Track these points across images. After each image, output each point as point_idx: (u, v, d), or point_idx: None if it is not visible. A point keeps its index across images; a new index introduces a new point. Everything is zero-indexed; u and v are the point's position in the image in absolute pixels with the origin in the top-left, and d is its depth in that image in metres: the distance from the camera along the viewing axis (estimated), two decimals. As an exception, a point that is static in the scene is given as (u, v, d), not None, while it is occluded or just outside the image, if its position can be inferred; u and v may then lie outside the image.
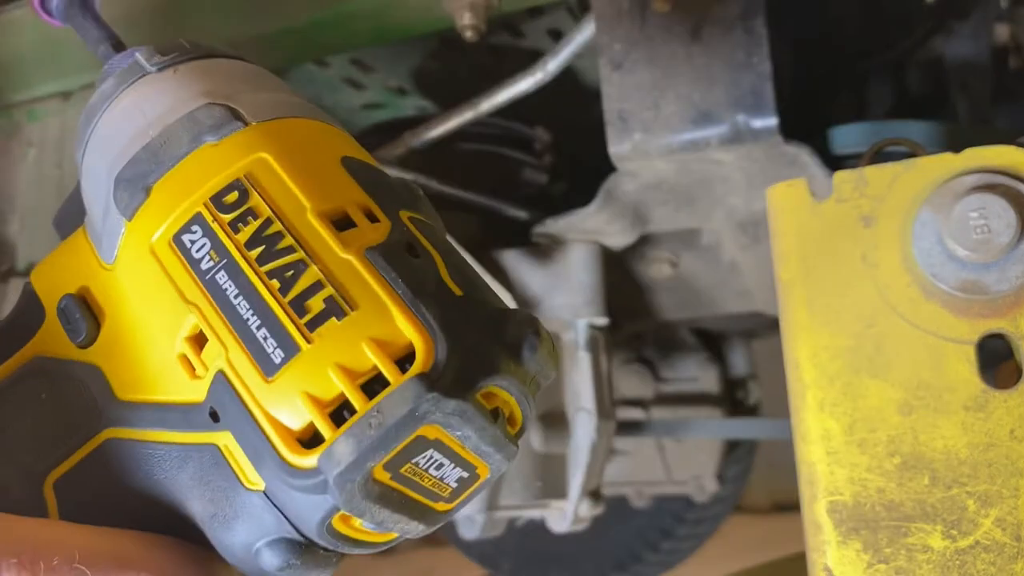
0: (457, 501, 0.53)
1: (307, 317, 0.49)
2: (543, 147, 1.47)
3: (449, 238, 1.12)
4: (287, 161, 0.53)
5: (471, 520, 1.30)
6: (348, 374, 0.48)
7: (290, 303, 0.49)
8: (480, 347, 0.50)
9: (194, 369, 0.52)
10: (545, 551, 2.45)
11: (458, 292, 0.52)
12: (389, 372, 0.47)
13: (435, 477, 0.50)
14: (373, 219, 0.53)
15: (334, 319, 0.48)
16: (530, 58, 1.26)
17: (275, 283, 0.50)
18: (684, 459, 2.16)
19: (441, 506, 0.52)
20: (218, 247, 0.51)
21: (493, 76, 1.22)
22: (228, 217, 0.52)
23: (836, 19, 1.38)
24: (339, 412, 0.48)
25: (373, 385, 0.48)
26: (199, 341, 0.52)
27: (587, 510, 1.36)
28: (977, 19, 1.32)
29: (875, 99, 1.44)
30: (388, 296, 0.49)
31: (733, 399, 2.13)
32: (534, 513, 1.39)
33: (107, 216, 0.56)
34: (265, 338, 0.49)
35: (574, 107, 1.35)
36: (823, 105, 1.44)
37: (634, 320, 1.71)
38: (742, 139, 1.01)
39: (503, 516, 1.36)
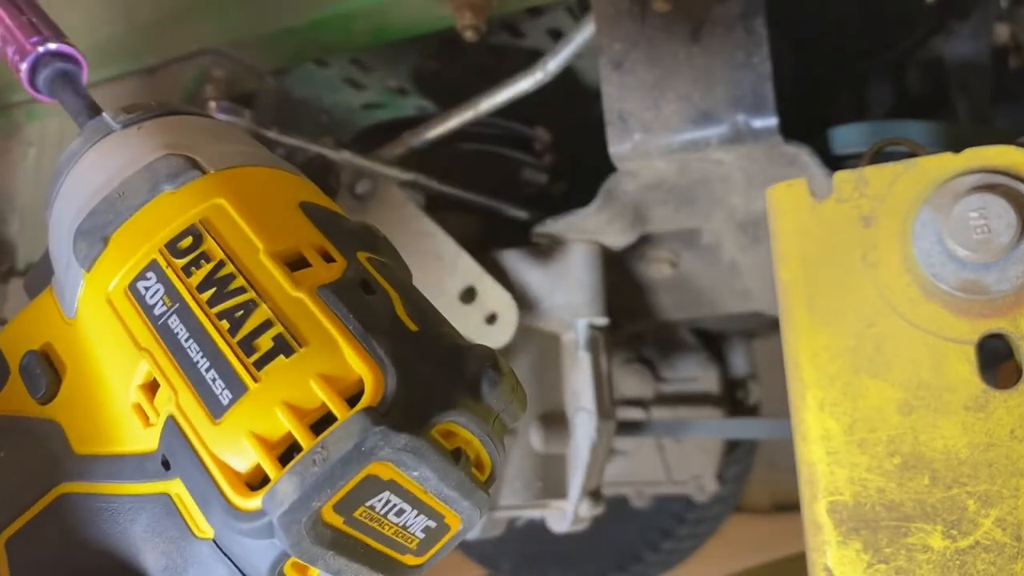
0: (428, 555, 0.52)
1: (255, 356, 0.48)
2: (543, 147, 1.47)
3: (449, 238, 1.12)
4: (243, 205, 0.53)
5: (471, 520, 1.30)
6: (296, 412, 0.47)
7: (239, 343, 0.49)
8: (435, 382, 0.49)
9: (147, 417, 0.51)
10: (545, 551, 2.45)
11: (413, 327, 0.51)
12: (337, 408, 0.46)
13: (396, 524, 0.48)
14: (329, 259, 0.53)
15: (282, 357, 0.48)
16: (530, 58, 1.26)
17: (224, 324, 0.49)
18: (684, 459, 2.16)
19: (409, 559, 0.51)
20: (171, 292, 0.51)
21: (493, 76, 1.22)
22: (182, 262, 0.52)
23: (836, 19, 1.38)
24: (288, 453, 0.47)
25: (322, 423, 0.47)
26: (152, 388, 0.51)
27: (587, 510, 1.36)
28: (977, 19, 1.32)
29: (875, 99, 1.44)
30: (338, 332, 0.48)
31: (733, 399, 2.13)
32: (534, 513, 1.39)
33: (68, 270, 0.56)
34: (214, 379, 0.48)
35: (574, 107, 1.35)
36: (823, 105, 1.44)
37: (634, 320, 1.71)
38: (742, 139, 1.01)
39: (503, 516, 1.36)
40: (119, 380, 0.53)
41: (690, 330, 2.06)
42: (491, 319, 1.18)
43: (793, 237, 0.86)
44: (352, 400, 0.47)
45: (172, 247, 0.52)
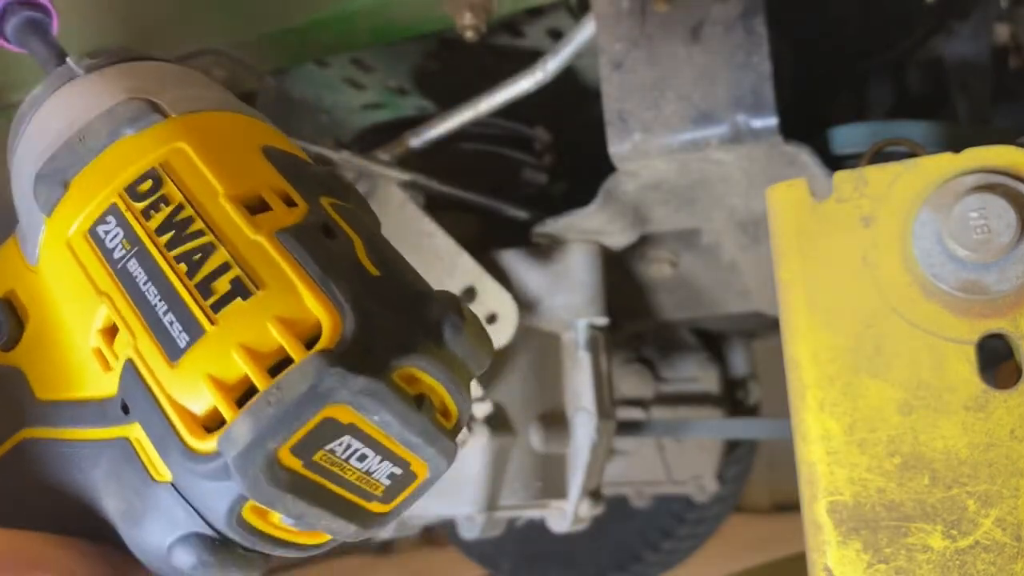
0: (395, 502, 0.51)
1: (212, 299, 0.48)
2: (543, 147, 1.47)
3: (449, 238, 1.12)
4: (204, 149, 0.53)
5: (471, 520, 1.30)
6: (253, 355, 0.46)
7: (196, 285, 0.48)
8: (395, 326, 0.49)
9: (107, 362, 0.51)
10: (545, 551, 2.45)
11: (375, 272, 0.51)
12: (294, 350, 0.46)
13: (359, 470, 0.48)
14: (290, 203, 0.52)
15: (239, 299, 0.48)
16: (530, 58, 1.26)
17: (183, 267, 0.49)
18: (684, 459, 2.17)
19: (376, 506, 0.51)
20: (130, 235, 0.51)
21: (493, 76, 1.22)
22: (141, 205, 0.51)
23: (836, 19, 1.39)
24: (246, 396, 0.46)
25: (280, 366, 0.46)
26: (112, 333, 0.51)
27: (587, 510, 1.37)
28: (977, 19, 1.32)
29: (875, 99, 1.44)
30: (296, 275, 0.48)
31: (733, 399, 2.13)
32: (534, 513, 1.39)
33: (31, 216, 0.56)
34: (171, 323, 0.48)
35: (574, 107, 1.35)
36: (823, 105, 1.44)
37: (634, 320, 1.71)
38: (742, 139, 1.01)
39: (503, 516, 1.36)
40: (80, 325, 0.53)
41: (690, 330, 2.06)
42: (491, 319, 1.18)
43: (793, 237, 0.86)
44: (310, 344, 0.47)
45: (132, 191, 0.52)
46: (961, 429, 0.78)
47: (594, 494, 1.38)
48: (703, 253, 1.50)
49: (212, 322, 0.47)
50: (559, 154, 1.50)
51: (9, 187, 0.63)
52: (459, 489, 1.27)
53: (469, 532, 1.32)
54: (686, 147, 1.04)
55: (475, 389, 1.17)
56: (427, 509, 1.29)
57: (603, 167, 1.12)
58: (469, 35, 1.04)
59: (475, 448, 1.24)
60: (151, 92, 0.57)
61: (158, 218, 0.51)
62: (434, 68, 1.38)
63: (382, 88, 1.44)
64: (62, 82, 0.59)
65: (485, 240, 1.34)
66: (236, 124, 0.58)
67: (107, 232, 0.52)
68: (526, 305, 1.29)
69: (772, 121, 1.01)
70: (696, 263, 1.53)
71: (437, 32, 1.18)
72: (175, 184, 0.52)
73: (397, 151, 1.26)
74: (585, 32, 1.11)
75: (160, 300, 0.49)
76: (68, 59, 0.61)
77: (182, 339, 0.48)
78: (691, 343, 2.08)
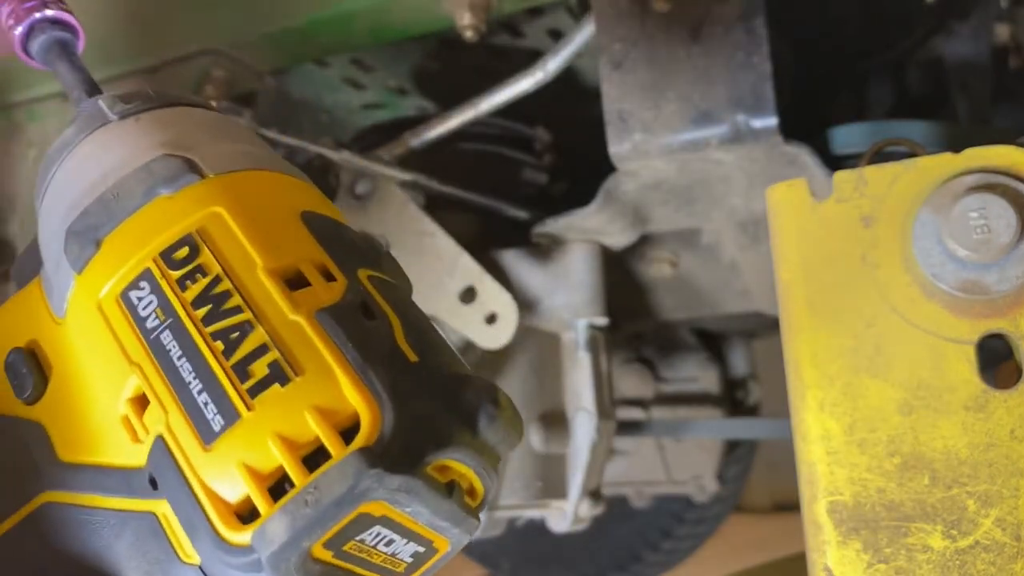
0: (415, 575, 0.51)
1: (249, 382, 0.47)
2: (543, 147, 1.47)
3: (449, 238, 1.12)
4: (242, 216, 0.52)
5: (471, 520, 1.30)
6: (289, 445, 0.46)
7: (233, 367, 0.47)
8: (432, 417, 0.48)
9: (136, 433, 0.50)
10: (545, 551, 2.45)
11: (413, 357, 0.50)
12: (331, 444, 0.45)
13: (386, 553, 0.48)
14: (329, 277, 0.51)
15: (277, 385, 0.47)
16: (530, 58, 1.26)
17: (219, 345, 0.48)
18: (684, 459, 2.16)
19: None
20: (165, 305, 0.50)
21: (493, 76, 1.22)
22: (177, 274, 0.50)
23: (836, 19, 1.39)
24: (279, 485, 0.46)
25: (316, 457, 0.46)
26: (142, 403, 0.50)
27: (587, 510, 1.37)
28: (977, 19, 1.32)
29: (875, 99, 1.44)
30: (336, 361, 0.47)
31: (733, 399, 2.13)
32: (534, 513, 1.39)
33: (59, 268, 0.55)
34: (206, 403, 0.47)
35: (574, 107, 1.35)
36: (823, 105, 1.44)
37: (634, 320, 1.71)
38: (742, 139, 1.01)
39: (503, 516, 1.36)
40: (107, 390, 0.51)
41: (690, 330, 2.06)
42: (491, 319, 1.18)
43: (793, 237, 0.86)
44: (347, 433, 0.46)
45: (167, 257, 0.51)
46: (961, 429, 0.78)
47: (594, 494, 1.38)
48: (703, 253, 1.50)
49: (249, 408, 0.47)
50: (559, 154, 1.50)
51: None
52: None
53: (469, 532, 1.31)
54: (686, 147, 1.04)
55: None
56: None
57: (603, 167, 1.12)
58: (469, 35, 1.04)
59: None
60: (187, 146, 0.55)
61: (195, 289, 0.50)
62: (434, 68, 1.38)
63: (382, 88, 1.44)
64: (94, 127, 0.58)
65: (485, 240, 1.34)
66: (274, 185, 0.56)
67: (140, 299, 0.50)
68: (526, 305, 1.29)
69: (772, 121, 1.01)
70: (696, 263, 1.53)
71: (437, 32, 1.19)
72: (212, 253, 0.50)
73: (397, 151, 1.26)
74: (585, 32, 1.11)
75: (195, 378, 0.48)
76: (100, 101, 0.59)
77: (217, 422, 0.47)
78: (691, 343, 2.08)
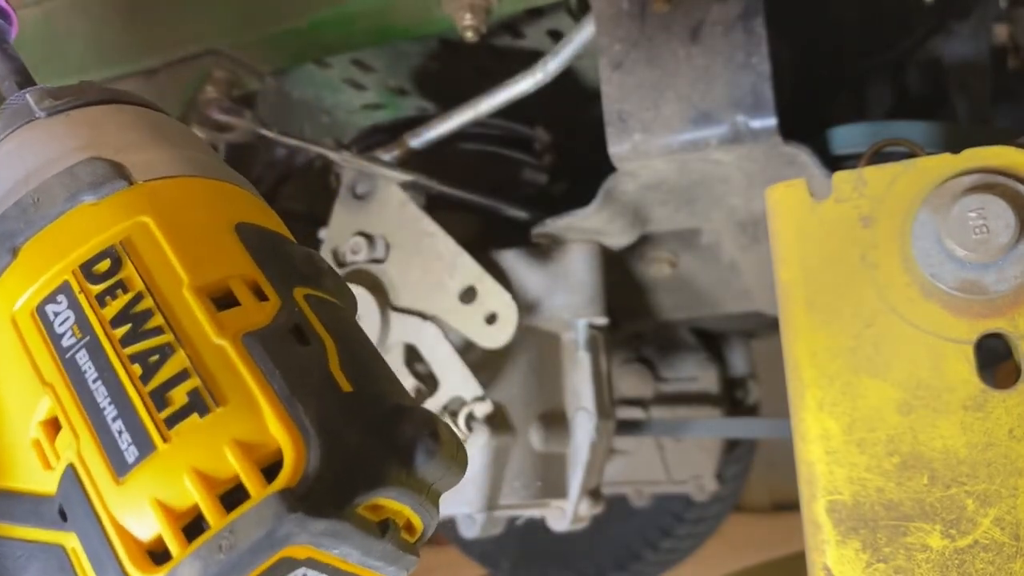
0: None
1: (167, 411, 0.44)
2: (543, 147, 1.48)
3: (449, 238, 1.12)
4: (170, 227, 0.49)
5: (471, 519, 1.31)
6: (206, 482, 0.43)
7: (151, 393, 0.45)
8: (364, 453, 0.45)
9: (47, 459, 0.47)
10: (545, 550, 2.45)
11: (347, 387, 0.47)
12: (251, 483, 0.43)
13: None
14: (261, 296, 0.48)
15: (196, 416, 0.44)
16: (530, 59, 1.26)
17: (137, 368, 0.45)
18: (684, 458, 2.17)
19: None
20: (82, 322, 0.47)
21: (493, 77, 1.22)
22: (97, 288, 0.47)
23: (835, 20, 1.39)
24: (196, 524, 0.43)
25: (235, 494, 0.43)
26: (55, 427, 0.47)
27: (587, 509, 1.37)
28: (976, 19, 1.32)
29: (874, 99, 1.44)
30: (261, 391, 0.44)
31: (732, 399, 2.14)
32: (534, 512, 1.39)
33: None
34: (120, 432, 0.44)
35: (574, 107, 1.35)
36: (823, 105, 1.44)
37: (634, 320, 1.71)
38: (741, 139, 1.02)
39: (503, 515, 1.36)
40: (19, 410, 0.48)
41: (689, 330, 2.07)
42: (491, 319, 1.18)
43: (792, 237, 0.86)
44: (269, 470, 0.43)
45: (87, 270, 0.48)
46: (960, 429, 0.78)
47: (594, 493, 1.38)
48: (703, 253, 1.51)
49: (165, 439, 0.44)
50: (559, 154, 1.50)
51: None
52: (459, 488, 1.27)
53: (469, 531, 1.32)
54: (686, 147, 1.04)
55: (476, 389, 1.17)
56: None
57: (603, 167, 1.12)
58: (469, 36, 1.05)
59: (475, 448, 1.24)
60: (117, 148, 0.52)
61: (115, 306, 0.47)
62: (434, 69, 1.39)
63: (382, 89, 1.44)
64: (20, 122, 0.55)
65: (485, 240, 1.34)
66: (209, 194, 0.53)
67: (57, 313, 0.48)
68: (526, 305, 1.29)
69: (771, 121, 1.01)
70: (695, 263, 1.54)
71: (437, 33, 1.19)
72: (136, 267, 0.47)
73: (397, 151, 1.26)
74: (585, 33, 1.11)
75: (110, 403, 0.45)
76: (28, 96, 0.56)
77: (131, 453, 0.44)
78: (690, 343, 2.09)
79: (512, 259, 1.32)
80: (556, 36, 1.29)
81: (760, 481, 3.11)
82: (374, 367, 0.50)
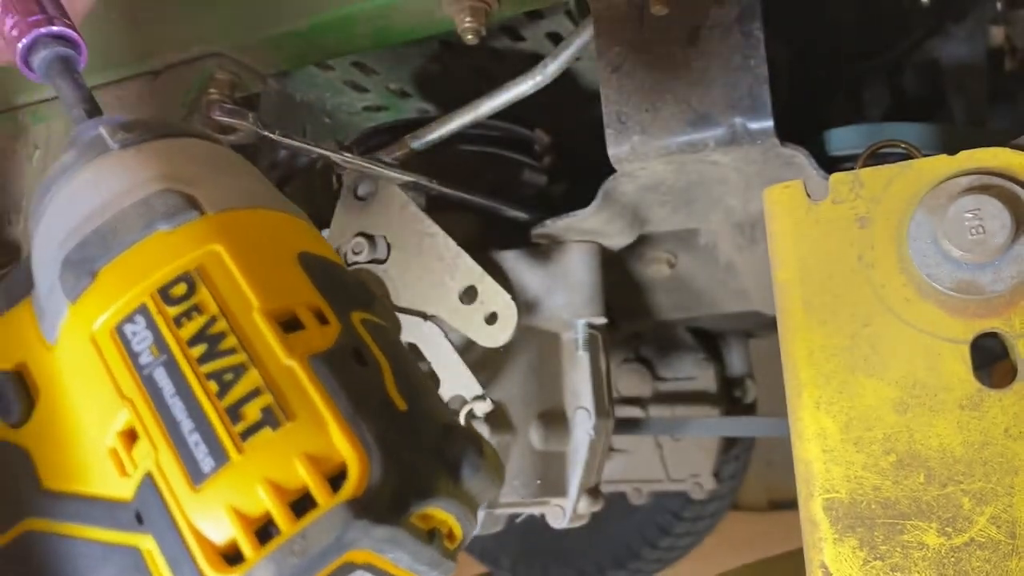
0: None
1: (241, 425, 0.47)
2: (543, 149, 1.48)
3: (449, 238, 1.13)
4: (240, 255, 0.51)
5: (471, 518, 1.31)
6: (277, 491, 0.46)
7: (226, 409, 0.47)
8: (418, 467, 0.48)
9: (123, 466, 0.50)
10: (545, 547, 2.46)
11: (402, 406, 0.50)
12: (320, 493, 0.46)
13: None
14: (323, 320, 0.51)
15: (268, 430, 0.47)
16: (530, 61, 1.27)
17: (213, 385, 0.48)
18: (682, 457, 2.17)
19: None
20: (159, 342, 0.49)
21: (493, 79, 1.22)
22: (173, 311, 0.50)
23: (833, 21, 1.39)
24: (266, 529, 0.46)
25: (303, 503, 0.46)
26: (131, 437, 0.50)
27: (586, 507, 1.37)
28: (973, 21, 1.33)
29: (871, 101, 1.45)
30: (327, 409, 0.47)
31: (730, 398, 2.14)
32: (534, 510, 1.40)
33: (52, 294, 0.54)
34: (196, 444, 0.47)
35: (573, 109, 1.35)
36: (820, 107, 1.44)
37: (632, 319, 1.72)
38: (739, 141, 1.02)
39: (503, 513, 1.37)
40: (96, 420, 0.51)
41: (688, 329, 2.07)
42: (491, 319, 1.18)
43: (790, 238, 0.87)
44: (335, 480, 0.46)
45: (164, 293, 0.50)
46: (956, 427, 0.79)
47: (593, 491, 1.38)
48: (701, 253, 1.51)
49: (239, 451, 0.47)
50: (558, 156, 1.50)
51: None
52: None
53: (469, 529, 1.32)
54: (684, 149, 1.04)
55: (476, 388, 1.18)
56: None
57: (602, 169, 1.13)
58: (469, 37, 1.05)
59: (475, 447, 1.25)
60: (187, 181, 0.55)
61: (191, 328, 0.49)
62: (435, 71, 1.39)
63: (384, 90, 1.45)
64: (94, 154, 0.57)
65: (485, 241, 1.35)
66: (273, 225, 0.56)
67: (135, 333, 0.50)
68: (526, 305, 1.30)
69: (768, 123, 1.01)
70: (694, 263, 1.54)
71: (438, 35, 1.19)
72: (210, 292, 0.50)
73: (398, 153, 1.26)
74: (584, 35, 1.11)
75: (187, 417, 0.48)
76: (102, 129, 0.58)
77: (207, 463, 0.47)
78: (689, 342, 2.09)
79: (512, 259, 1.33)
80: (555, 39, 1.29)
81: (758, 479, 3.12)
82: (424, 387, 0.53)
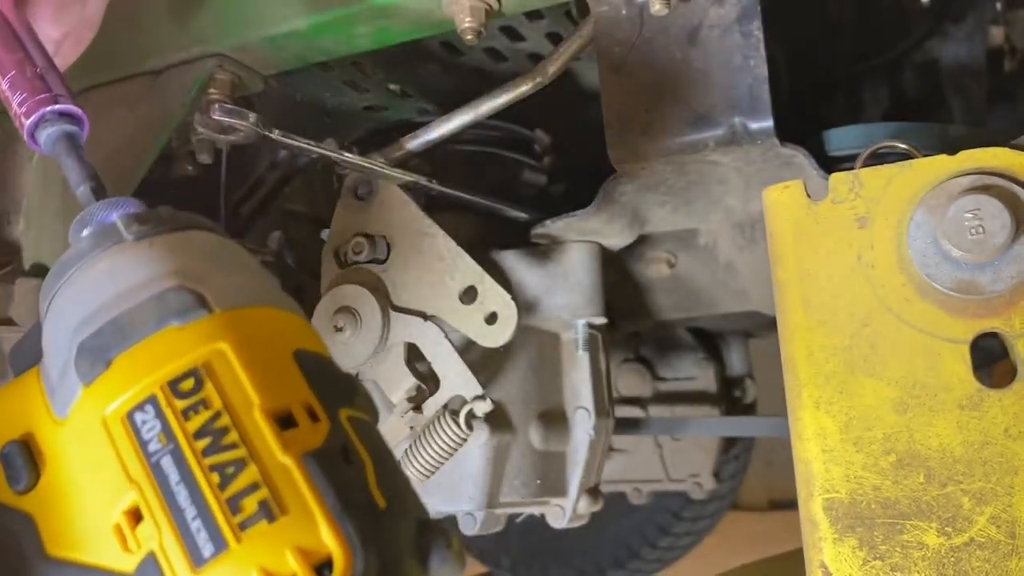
0: None
1: (240, 516, 0.51)
2: (542, 149, 1.48)
3: (449, 238, 1.13)
4: (243, 355, 0.55)
5: (471, 517, 1.31)
6: None
7: (227, 500, 0.51)
8: (395, 561, 0.53)
9: (127, 542, 0.53)
10: (545, 547, 2.46)
11: (382, 503, 0.54)
12: None
13: None
14: (314, 418, 0.55)
15: (265, 522, 0.51)
16: (529, 61, 1.27)
17: (215, 477, 0.52)
18: (682, 457, 2.17)
19: None
20: (168, 432, 0.53)
21: (493, 79, 1.22)
22: (182, 404, 0.53)
23: (833, 22, 1.39)
24: None
25: None
26: (136, 517, 0.53)
27: (586, 507, 1.37)
28: (972, 22, 1.33)
29: (871, 101, 1.45)
30: (317, 505, 0.51)
31: (730, 397, 2.14)
32: (534, 510, 1.40)
33: (65, 374, 0.57)
34: (198, 530, 0.51)
35: (573, 109, 1.35)
36: (820, 107, 1.44)
37: (632, 319, 1.72)
38: (739, 141, 1.02)
39: (503, 513, 1.37)
40: (102, 497, 0.54)
41: (687, 329, 2.07)
42: (491, 319, 1.18)
43: (789, 238, 0.87)
44: (321, 571, 0.50)
45: (174, 387, 0.54)
46: (956, 427, 0.79)
47: (593, 491, 1.38)
48: (700, 253, 1.51)
49: (238, 540, 0.50)
50: (558, 156, 1.51)
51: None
52: (459, 486, 1.28)
53: (469, 529, 1.32)
54: (684, 149, 1.04)
55: (476, 387, 1.18)
56: (428, 506, 1.30)
57: (602, 169, 1.13)
58: (469, 37, 1.05)
59: (475, 446, 1.25)
60: (197, 278, 0.58)
61: (197, 421, 0.53)
62: (435, 71, 1.39)
63: (384, 91, 1.45)
64: (110, 244, 0.61)
65: (485, 241, 1.35)
66: (273, 323, 0.60)
67: (145, 422, 0.54)
68: (526, 305, 1.30)
69: (768, 123, 1.01)
70: (693, 263, 1.54)
71: (438, 36, 1.19)
72: (215, 388, 0.54)
73: (398, 153, 1.26)
74: (584, 35, 1.11)
75: (191, 504, 0.51)
76: (116, 219, 0.62)
77: (207, 549, 0.50)
78: (688, 342, 2.09)
79: (512, 259, 1.33)
80: (555, 39, 1.29)
81: (757, 479, 3.12)
82: (401, 484, 0.58)
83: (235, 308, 0.58)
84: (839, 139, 1.13)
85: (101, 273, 0.60)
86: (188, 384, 0.54)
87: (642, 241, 1.46)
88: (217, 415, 0.53)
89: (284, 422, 0.54)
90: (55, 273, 0.62)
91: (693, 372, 2.09)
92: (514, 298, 1.18)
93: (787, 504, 0.97)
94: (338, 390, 0.58)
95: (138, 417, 0.54)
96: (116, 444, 0.54)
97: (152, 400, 0.54)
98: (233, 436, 0.53)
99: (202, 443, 0.52)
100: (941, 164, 0.82)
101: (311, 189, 1.66)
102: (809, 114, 1.25)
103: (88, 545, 0.55)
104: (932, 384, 0.80)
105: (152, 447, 0.53)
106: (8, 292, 1.18)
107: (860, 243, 0.84)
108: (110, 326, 0.57)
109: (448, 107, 1.25)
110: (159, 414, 0.53)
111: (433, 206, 1.27)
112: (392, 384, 1.20)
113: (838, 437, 0.82)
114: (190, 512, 0.51)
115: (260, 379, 0.55)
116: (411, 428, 1.18)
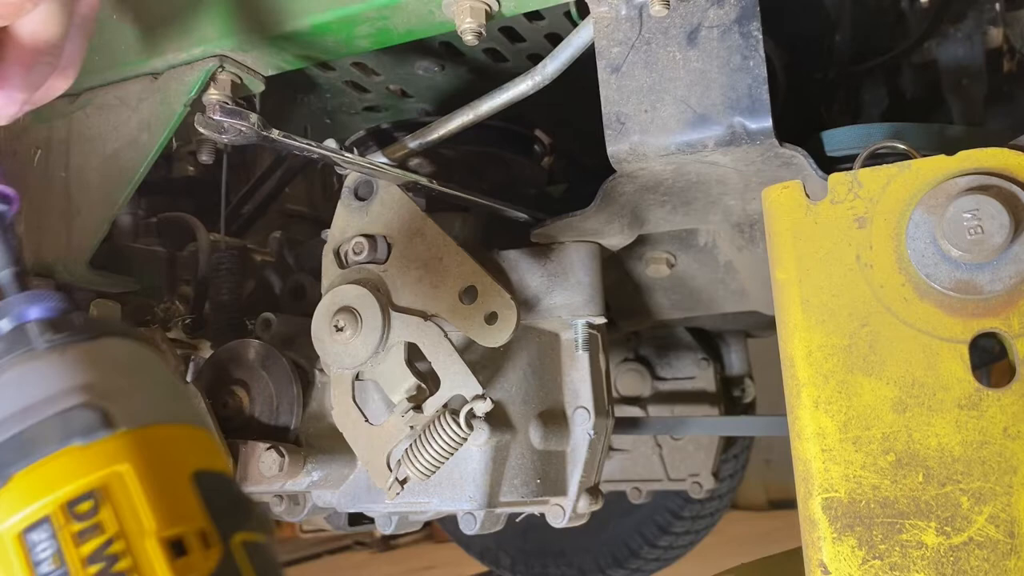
0: None
1: None
2: (543, 149, 1.48)
3: (449, 238, 1.13)
4: (143, 477, 0.56)
5: (471, 516, 1.31)
6: None
7: None
8: None
9: None
10: (545, 547, 2.46)
11: None
12: None
13: None
14: (207, 544, 0.56)
15: None
16: (529, 61, 1.27)
17: None
18: (681, 456, 2.18)
19: None
20: (60, 555, 0.53)
21: (493, 79, 1.22)
22: (77, 527, 0.54)
23: (832, 22, 1.39)
24: None
25: None
26: None
27: (586, 506, 1.37)
28: (971, 23, 1.33)
29: (870, 102, 1.45)
30: None
31: (729, 397, 2.15)
32: (534, 509, 1.40)
33: None
34: None
35: (573, 109, 1.35)
36: (819, 107, 1.44)
37: (632, 319, 1.72)
38: (738, 141, 1.02)
39: (503, 512, 1.37)
40: None
41: (687, 329, 2.08)
42: (491, 318, 1.18)
43: (788, 238, 0.87)
44: None
45: (71, 508, 0.54)
46: (954, 427, 0.79)
47: (593, 491, 1.39)
48: (700, 253, 1.51)
49: None
50: (558, 156, 1.51)
51: None
52: (459, 486, 1.28)
53: (469, 528, 1.33)
54: (683, 149, 1.04)
55: (476, 387, 1.18)
56: (428, 505, 1.30)
57: (602, 169, 1.13)
58: (469, 38, 1.05)
59: (475, 445, 1.25)
60: (106, 394, 0.59)
61: (91, 545, 0.53)
62: (435, 71, 1.39)
63: (384, 91, 1.45)
64: (19, 350, 0.61)
65: (485, 241, 1.35)
66: (178, 442, 0.60)
67: (38, 542, 0.54)
68: (525, 304, 1.30)
69: (767, 123, 1.01)
70: (693, 263, 1.54)
71: (438, 36, 1.19)
72: (112, 512, 0.54)
73: (398, 153, 1.26)
74: (583, 36, 1.11)
75: None
76: (28, 325, 0.62)
77: None
78: (688, 342, 2.10)
79: (512, 259, 1.33)
80: (555, 39, 1.29)
81: (756, 479, 3.13)
82: None
83: (140, 427, 0.58)
84: (838, 139, 1.13)
85: (8, 384, 0.60)
86: (86, 506, 0.54)
87: (642, 241, 1.46)
88: (111, 541, 0.53)
89: (178, 548, 0.54)
90: None
91: (692, 372, 2.10)
92: (514, 298, 1.18)
93: (786, 503, 0.97)
94: (234, 513, 0.59)
95: (33, 537, 0.54)
96: (11, 561, 0.54)
97: (47, 520, 0.54)
98: (126, 563, 0.53)
99: (94, 568, 0.53)
100: (940, 164, 0.82)
101: (311, 189, 1.66)
102: (808, 114, 1.25)
103: None
104: (931, 384, 0.80)
105: (44, 568, 0.53)
106: (9, 292, 1.18)
107: (859, 243, 0.84)
108: (13, 441, 0.57)
109: (448, 107, 1.25)
110: (53, 535, 0.54)
111: (433, 206, 1.27)
112: (392, 384, 1.20)
113: (837, 436, 0.82)
114: None
115: (156, 503, 0.55)
116: (411, 428, 1.18)
